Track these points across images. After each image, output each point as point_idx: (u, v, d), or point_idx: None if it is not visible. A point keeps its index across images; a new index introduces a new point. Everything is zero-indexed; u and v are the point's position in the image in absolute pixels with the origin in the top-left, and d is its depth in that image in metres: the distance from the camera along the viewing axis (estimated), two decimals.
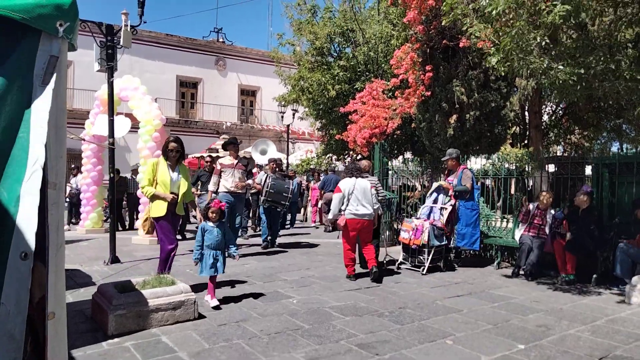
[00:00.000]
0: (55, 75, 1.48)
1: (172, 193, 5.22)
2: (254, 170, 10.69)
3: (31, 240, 1.47)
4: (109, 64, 7.31)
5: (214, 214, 4.77)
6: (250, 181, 8.02)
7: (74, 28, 1.56)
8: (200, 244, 4.70)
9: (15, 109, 1.45)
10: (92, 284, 5.53)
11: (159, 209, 5.14)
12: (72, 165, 14.06)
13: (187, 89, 26.04)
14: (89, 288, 5.30)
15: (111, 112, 7.43)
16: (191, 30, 59.92)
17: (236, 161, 7.68)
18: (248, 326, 4.13)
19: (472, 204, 6.99)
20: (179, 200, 5.30)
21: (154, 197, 5.19)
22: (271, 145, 14.69)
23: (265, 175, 8.92)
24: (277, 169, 9.02)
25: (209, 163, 9.36)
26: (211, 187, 7.61)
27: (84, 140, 10.63)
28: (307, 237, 10.71)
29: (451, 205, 7.02)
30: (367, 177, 6.60)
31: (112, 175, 7.46)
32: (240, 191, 7.61)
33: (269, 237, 8.76)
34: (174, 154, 5.35)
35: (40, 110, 1.46)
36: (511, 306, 4.98)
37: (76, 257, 7.66)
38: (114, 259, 7.06)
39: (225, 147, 8.00)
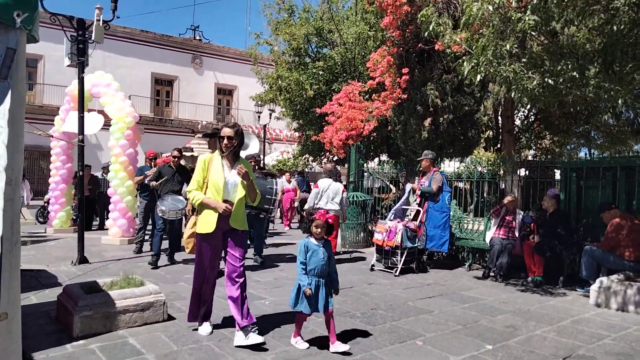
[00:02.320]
0: (11, 68, 1.42)
1: (226, 202, 3.72)
2: None
3: None
4: (79, 59, 7.14)
5: (319, 229, 3.64)
6: None
7: (34, 18, 1.50)
8: (304, 267, 3.62)
9: None
10: (58, 285, 5.38)
11: (206, 223, 3.72)
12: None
13: (163, 87, 25.66)
14: (54, 289, 5.15)
15: (81, 108, 7.26)
16: (167, 28, 59.08)
17: None
18: (218, 327, 4.08)
19: (441, 206, 7.09)
20: (233, 209, 3.76)
21: (202, 206, 3.77)
22: (254, 139, 12.52)
23: None
24: (256, 167, 7.60)
25: (175, 160, 7.34)
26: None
27: (52, 137, 10.35)
28: (284, 238, 10.67)
29: (417, 204, 7.16)
30: (342, 182, 7.54)
31: (81, 173, 7.28)
32: None
33: (254, 254, 7.33)
34: (229, 146, 3.79)
35: None
36: (481, 307, 5.07)
37: (43, 257, 7.44)
38: (82, 259, 6.89)
39: (207, 137, 6.63)
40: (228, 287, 3.76)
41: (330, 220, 3.70)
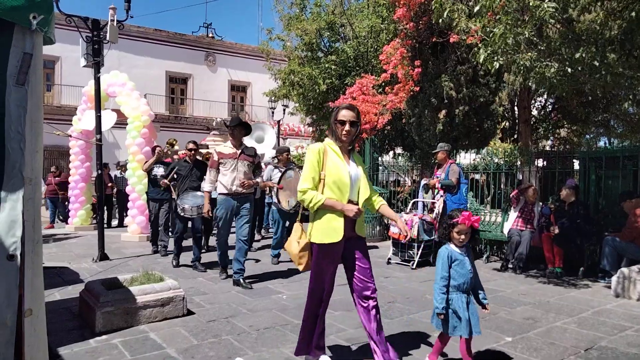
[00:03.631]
0: (29, 72, 1.45)
1: (351, 202, 2.99)
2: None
3: (17, 242, 1.52)
4: (95, 60, 7.24)
5: (463, 235, 2.98)
6: (259, 179, 5.84)
7: (50, 20, 1.53)
8: (446, 283, 2.97)
9: None
10: (80, 282, 5.50)
11: (329, 230, 2.92)
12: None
13: (177, 85, 25.85)
14: (76, 285, 5.26)
15: (98, 108, 7.36)
16: (180, 26, 59.49)
17: (240, 150, 5.55)
18: (237, 322, 4.12)
19: (459, 198, 7.03)
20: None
21: (321, 210, 2.96)
22: (269, 131, 11.29)
23: (275, 169, 7.11)
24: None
25: (192, 153, 6.74)
26: (206, 186, 5.61)
27: (70, 136, 10.53)
28: None
29: (441, 196, 7.10)
30: None
31: (99, 171, 7.40)
32: (245, 192, 5.51)
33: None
34: (351, 133, 3.01)
35: (15, 112, 1.44)
36: (499, 299, 5.02)
37: (64, 255, 7.60)
38: (103, 256, 7.02)
39: (229, 127, 5.62)
40: (362, 312, 3.02)
41: (476, 225, 3.01)
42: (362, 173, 3.09)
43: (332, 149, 3.03)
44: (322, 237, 2.95)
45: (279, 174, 6.74)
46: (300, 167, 7.15)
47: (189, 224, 7.04)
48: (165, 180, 6.86)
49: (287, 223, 6.84)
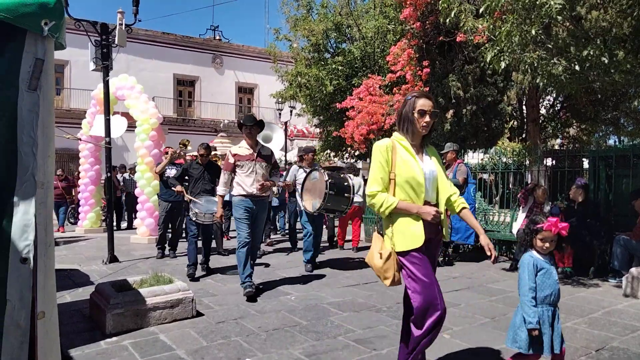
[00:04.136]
0: (41, 78, 1.48)
1: (427, 203, 2.64)
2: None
3: (29, 245, 1.55)
4: (104, 63, 7.30)
5: (547, 243, 2.71)
6: (281, 182, 5.49)
7: (61, 26, 1.55)
8: (534, 294, 2.65)
9: (1, 116, 1.46)
10: (91, 284, 5.54)
11: (410, 235, 2.59)
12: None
13: (185, 88, 25.99)
14: (87, 287, 5.31)
15: (107, 111, 7.42)
16: (187, 28, 59.82)
17: (256, 151, 5.23)
18: (246, 323, 4.14)
19: (467, 198, 6.99)
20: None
21: (394, 215, 2.63)
22: (277, 130, 11.03)
23: (300, 169, 6.86)
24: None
25: (203, 155, 6.45)
26: (220, 189, 5.29)
27: (80, 140, 10.63)
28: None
29: None
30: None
31: (108, 174, 7.46)
32: (263, 195, 5.26)
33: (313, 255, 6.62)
34: (428, 124, 2.66)
35: (27, 117, 1.46)
36: (509, 300, 4.99)
37: (75, 257, 7.67)
38: (112, 258, 7.07)
39: (242, 127, 5.28)
40: (416, 326, 2.66)
41: (563, 233, 2.71)
42: (438, 170, 2.72)
43: (402, 144, 2.67)
44: (405, 243, 2.58)
45: (304, 175, 6.48)
46: (336, 168, 6.96)
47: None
48: (180, 187, 6.57)
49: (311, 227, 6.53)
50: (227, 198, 5.62)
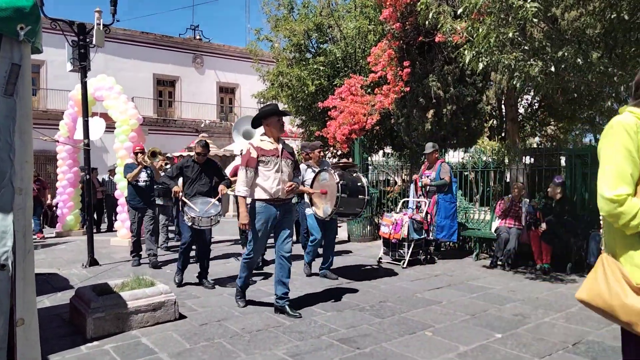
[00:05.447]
0: (17, 83, 1.46)
1: None
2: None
3: (7, 252, 1.52)
4: (81, 64, 7.18)
5: None
6: (302, 186, 5.01)
7: (37, 31, 1.53)
8: None
9: None
10: (70, 288, 5.45)
11: None
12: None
13: (165, 88, 25.68)
14: (66, 292, 5.23)
15: (85, 112, 7.30)
16: (167, 28, 59.08)
17: (281, 146, 4.44)
18: (229, 325, 4.13)
19: (451, 196, 7.10)
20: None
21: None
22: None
23: (308, 169, 6.13)
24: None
25: (200, 153, 5.64)
26: (241, 189, 4.30)
27: (58, 142, 10.44)
28: None
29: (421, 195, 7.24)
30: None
31: (87, 177, 7.35)
32: (287, 198, 4.52)
33: (320, 265, 6.04)
34: None
35: (4, 123, 1.44)
36: (489, 296, 5.08)
37: (53, 261, 7.53)
38: (92, 262, 6.96)
39: (258, 121, 4.56)
40: None
41: None
42: None
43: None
44: None
45: (312, 175, 5.79)
46: (345, 167, 6.15)
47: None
48: (177, 188, 5.58)
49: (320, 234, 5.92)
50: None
